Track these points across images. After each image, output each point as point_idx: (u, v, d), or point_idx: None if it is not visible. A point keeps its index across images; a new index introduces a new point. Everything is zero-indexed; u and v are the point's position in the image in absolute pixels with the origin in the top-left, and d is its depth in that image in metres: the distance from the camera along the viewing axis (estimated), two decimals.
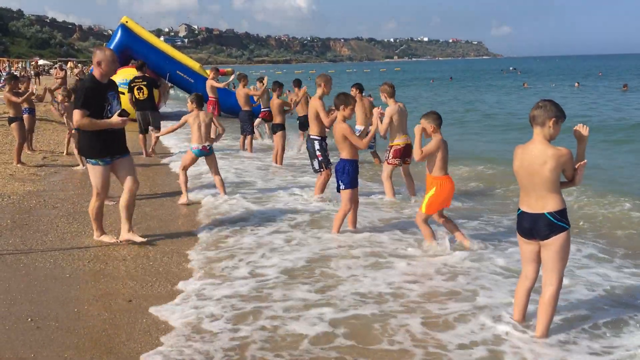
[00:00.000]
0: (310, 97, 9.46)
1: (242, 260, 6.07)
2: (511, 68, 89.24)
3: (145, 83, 12.93)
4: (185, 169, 8.79)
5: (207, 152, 8.69)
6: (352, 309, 4.81)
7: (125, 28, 20.53)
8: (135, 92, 12.88)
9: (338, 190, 6.94)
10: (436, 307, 4.86)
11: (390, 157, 8.77)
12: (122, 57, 18.87)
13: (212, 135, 8.81)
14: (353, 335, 4.34)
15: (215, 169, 8.83)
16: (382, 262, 5.99)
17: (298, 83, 14.26)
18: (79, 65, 57.18)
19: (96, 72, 6.34)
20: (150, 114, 13.01)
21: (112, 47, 20.10)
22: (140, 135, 13.11)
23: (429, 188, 6.27)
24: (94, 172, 6.43)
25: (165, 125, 13.07)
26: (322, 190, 8.70)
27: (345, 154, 6.79)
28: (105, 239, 6.68)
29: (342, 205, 6.86)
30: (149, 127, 13.05)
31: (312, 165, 8.86)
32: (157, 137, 11.99)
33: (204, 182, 10.05)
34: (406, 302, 4.97)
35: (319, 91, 8.60)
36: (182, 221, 7.78)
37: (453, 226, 6.42)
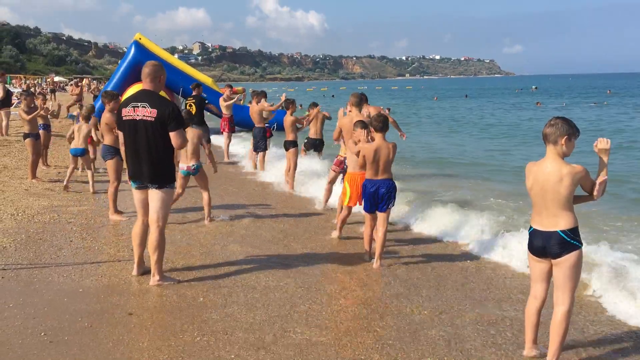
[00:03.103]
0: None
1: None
2: (533, 87, 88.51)
3: (194, 101, 14.90)
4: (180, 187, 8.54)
5: (193, 172, 8.39)
6: None
7: (138, 45, 20.78)
8: (187, 107, 14.70)
9: (382, 211, 6.59)
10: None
11: (333, 165, 9.25)
12: (136, 74, 19.08)
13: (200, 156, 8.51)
14: None
15: (205, 187, 8.50)
16: None
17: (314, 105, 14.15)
18: (94, 81, 57.89)
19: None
20: (197, 129, 14.02)
21: (125, 63, 20.36)
22: None
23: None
24: (172, 196, 6.08)
25: None
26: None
27: (387, 175, 6.59)
28: None
29: (384, 226, 6.60)
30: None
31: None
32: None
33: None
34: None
35: (355, 111, 8.13)
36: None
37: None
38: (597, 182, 4.06)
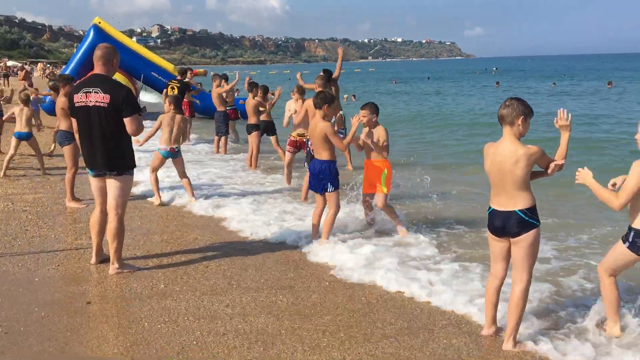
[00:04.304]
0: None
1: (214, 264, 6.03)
2: (494, 69, 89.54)
3: (178, 85, 14.72)
4: (154, 170, 8.69)
5: (174, 155, 8.59)
6: None
7: (97, 29, 20.19)
8: (169, 90, 14.52)
9: (322, 192, 6.65)
10: None
11: (287, 146, 9.55)
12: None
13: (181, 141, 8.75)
14: None
15: (182, 172, 8.73)
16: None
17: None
18: (50, 66, 56.25)
19: None
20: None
21: (84, 48, 19.81)
22: None
23: (379, 170, 6.80)
24: (131, 183, 5.91)
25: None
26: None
27: (326, 155, 6.57)
28: None
29: (333, 207, 6.60)
30: None
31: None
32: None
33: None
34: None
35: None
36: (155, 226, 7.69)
37: (371, 208, 7.05)
38: (554, 163, 4.14)
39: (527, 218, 4.04)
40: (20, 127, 10.65)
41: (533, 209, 4.07)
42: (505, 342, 4.21)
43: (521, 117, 4.02)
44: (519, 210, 4.04)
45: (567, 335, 4.39)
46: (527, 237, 4.05)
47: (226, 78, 14.96)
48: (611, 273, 4.37)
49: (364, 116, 6.69)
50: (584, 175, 4.19)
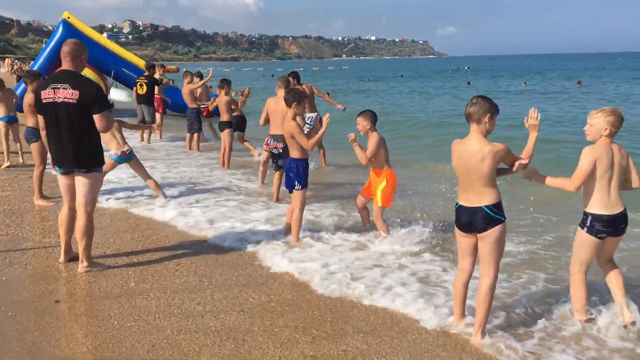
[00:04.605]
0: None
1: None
2: (466, 68, 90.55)
3: (146, 81, 14.87)
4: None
5: (127, 158, 8.26)
6: None
7: (67, 24, 19.83)
8: (138, 87, 14.87)
9: (290, 190, 6.69)
10: None
11: (264, 145, 9.27)
12: None
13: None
14: None
15: (144, 174, 8.49)
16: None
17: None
18: (18, 62, 55.11)
19: None
20: (144, 107, 14.88)
21: (52, 44, 19.47)
22: None
23: (378, 182, 6.50)
24: (100, 181, 5.89)
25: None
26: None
27: (296, 154, 6.59)
28: None
29: (298, 206, 6.60)
30: (145, 118, 14.92)
31: (276, 162, 8.71)
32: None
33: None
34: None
35: (280, 93, 8.52)
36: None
37: (367, 216, 6.90)
38: (519, 162, 4.23)
39: (492, 214, 4.12)
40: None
41: (499, 204, 4.15)
42: (474, 335, 4.29)
43: (488, 115, 4.10)
44: (485, 206, 4.12)
45: (534, 329, 4.49)
46: (493, 233, 4.13)
47: (200, 76, 14.85)
48: (580, 268, 4.49)
49: (359, 123, 6.49)
50: (530, 173, 4.38)
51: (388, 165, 6.58)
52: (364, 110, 6.63)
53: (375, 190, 6.60)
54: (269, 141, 8.78)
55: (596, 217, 4.35)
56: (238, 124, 11.95)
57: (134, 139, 15.29)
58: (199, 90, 14.28)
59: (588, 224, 4.39)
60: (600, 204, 4.34)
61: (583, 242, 4.45)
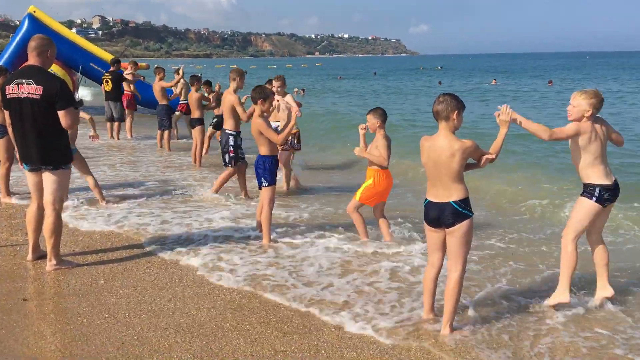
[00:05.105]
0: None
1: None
2: (439, 67, 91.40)
3: (111, 77, 14.94)
4: None
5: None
6: None
7: (32, 18, 19.47)
8: (104, 84, 15.00)
9: (260, 187, 6.68)
10: None
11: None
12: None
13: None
14: None
15: (85, 169, 8.12)
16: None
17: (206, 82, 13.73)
18: None
19: None
20: (111, 104, 14.98)
21: (18, 38, 19.10)
22: (107, 123, 15.26)
23: (367, 178, 6.49)
24: (68, 178, 5.74)
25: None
26: (221, 186, 8.73)
27: (264, 150, 6.61)
28: None
29: (267, 204, 6.57)
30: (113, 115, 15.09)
31: (223, 159, 8.76)
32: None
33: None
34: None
35: (233, 85, 8.50)
36: None
37: (386, 227, 6.60)
38: (486, 157, 4.32)
39: (460, 209, 4.19)
40: None
41: (466, 200, 4.23)
42: (443, 328, 4.36)
43: (455, 112, 4.17)
44: (453, 201, 4.19)
45: (505, 322, 4.59)
46: (460, 227, 4.20)
47: (202, 80, 14.39)
48: (575, 236, 4.79)
49: (368, 121, 6.37)
50: (506, 112, 4.50)
51: (386, 166, 6.38)
52: (374, 108, 6.50)
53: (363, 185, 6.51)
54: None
55: (604, 187, 4.68)
56: (218, 124, 11.74)
57: (102, 135, 15.08)
58: (179, 86, 14.02)
59: (597, 194, 4.69)
60: (603, 176, 4.69)
61: (588, 210, 4.73)
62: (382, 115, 6.37)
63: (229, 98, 8.40)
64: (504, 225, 7.52)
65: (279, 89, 8.95)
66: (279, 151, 8.77)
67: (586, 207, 4.74)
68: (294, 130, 8.72)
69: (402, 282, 5.43)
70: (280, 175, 8.39)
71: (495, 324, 4.56)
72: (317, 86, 44.70)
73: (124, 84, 15.23)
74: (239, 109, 8.28)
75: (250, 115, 8.60)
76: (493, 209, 8.50)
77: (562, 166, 10.82)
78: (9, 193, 8.24)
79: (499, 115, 4.51)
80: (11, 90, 5.30)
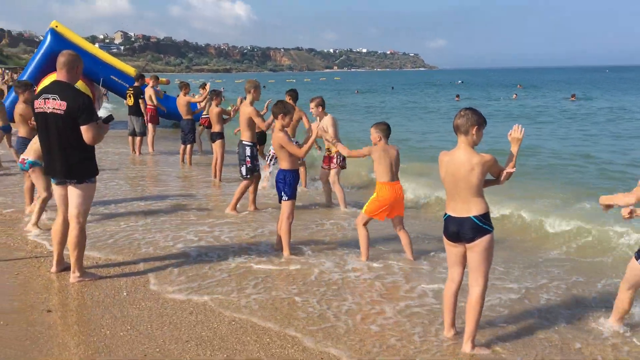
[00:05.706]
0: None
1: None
2: (458, 81, 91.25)
3: (132, 92, 15.17)
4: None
5: (24, 167, 7.59)
6: None
7: (54, 33, 19.81)
8: (128, 98, 15.28)
9: (280, 201, 6.73)
10: None
11: (323, 164, 9.51)
12: (52, 63, 18.20)
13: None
14: None
15: (40, 188, 7.38)
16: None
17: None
18: (9, 71, 54.77)
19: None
20: (134, 118, 15.16)
21: (41, 53, 19.45)
22: (130, 137, 15.29)
23: (374, 191, 6.56)
24: (93, 191, 5.76)
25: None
26: (237, 202, 8.75)
27: (285, 165, 6.65)
28: None
29: (286, 218, 6.62)
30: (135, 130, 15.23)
31: (240, 171, 8.82)
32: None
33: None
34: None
35: (249, 97, 8.57)
36: None
37: (406, 240, 6.60)
38: (506, 171, 4.32)
39: (481, 224, 4.18)
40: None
41: (486, 214, 4.22)
42: (464, 344, 4.34)
43: (475, 127, 4.19)
44: (473, 216, 4.19)
45: (529, 342, 4.55)
46: (481, 242, 4.19)
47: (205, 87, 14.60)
48: (629, 287, 4.68)
49: (371, 134, 6.51)
50: (606, 199, 4.61)
51: (387, 179, 6.41)
52: (379, 122, 6.66)
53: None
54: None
55: None
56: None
57: (125, 150, 15.29)
58: (203, 102, 14.13)
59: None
60: None
61: (634, 271, 4.60)
62: (385, 130, 6.49)
63: (246, 110, 8.48)
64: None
65: (317, 110, 9.11)
66: (332, 169, 9.17)
67: (631, 266, 4.61)
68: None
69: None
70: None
71: (518, 340, 4.52)
72: (332, 101, 44.98)
73: (147, 97, 15.36)
74: (257, 120, 8.39)
75: (270, 125, 8.79)
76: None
77: None
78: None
79: (510, 134, 4.41)
80: (39, 104, 5.43)
